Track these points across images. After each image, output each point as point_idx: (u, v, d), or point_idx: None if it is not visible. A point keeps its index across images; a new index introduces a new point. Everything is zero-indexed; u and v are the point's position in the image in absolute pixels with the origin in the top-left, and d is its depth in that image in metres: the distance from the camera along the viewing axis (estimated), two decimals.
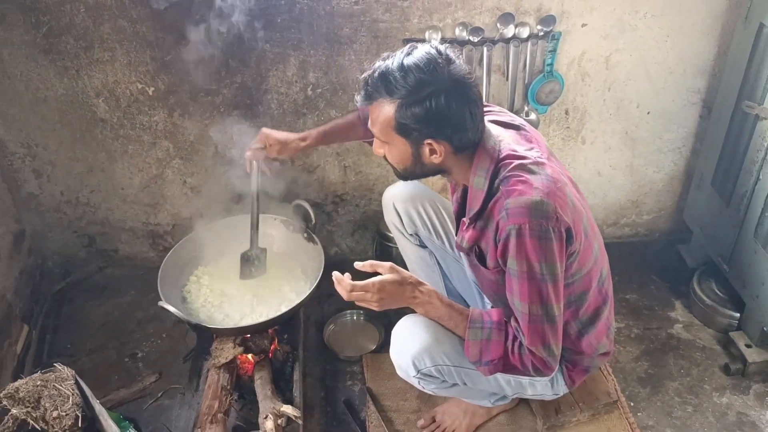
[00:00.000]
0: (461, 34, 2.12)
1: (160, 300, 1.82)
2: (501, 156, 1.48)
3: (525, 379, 1.73)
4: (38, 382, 1.44)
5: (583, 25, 2.17)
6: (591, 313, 1.65)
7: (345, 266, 1.57)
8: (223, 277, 2.11)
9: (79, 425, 1.41)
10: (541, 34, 2.15)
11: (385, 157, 1.57)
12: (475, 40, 2.13)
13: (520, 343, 1.49)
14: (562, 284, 1.47)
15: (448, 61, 1.40)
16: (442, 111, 1.38)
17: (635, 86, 2.33)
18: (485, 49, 2.14)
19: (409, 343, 1.60)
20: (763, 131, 2.02)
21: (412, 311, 1.60)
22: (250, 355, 1.95)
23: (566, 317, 1.57)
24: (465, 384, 1.68)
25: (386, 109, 1.42)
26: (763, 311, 2.09)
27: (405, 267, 1.86)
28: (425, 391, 1.73)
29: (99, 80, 2.12)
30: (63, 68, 2.08)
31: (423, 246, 1.99)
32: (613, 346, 1.79)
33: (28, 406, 1.40)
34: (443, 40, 2.10)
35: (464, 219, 1.59)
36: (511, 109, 2.28)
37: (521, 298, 1.44)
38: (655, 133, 2.46)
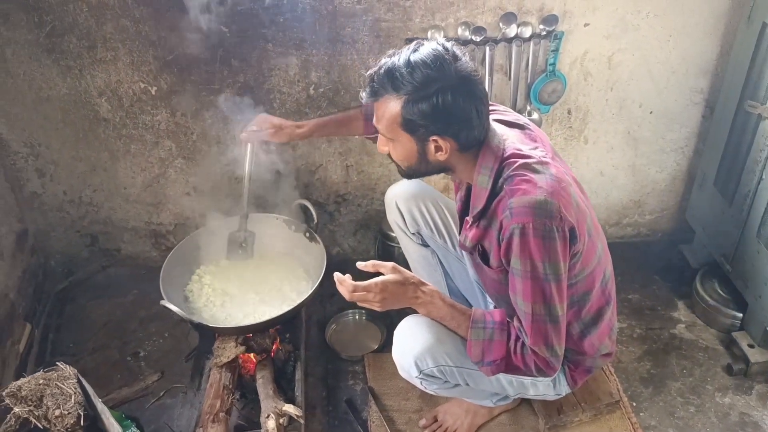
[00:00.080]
0: (463, 33, 2.12)
1: (163, 299, 1.82)
2: (505, 155, 1.47)
3: (527, 380, 1.72)
4: (41, 381, 1.44)
5: (586, 25, 2.17)
6: (594, 313, 1.65)
7: (347, 266, 1.57)
8: (225, 277, 2.11)
9: (81, 424, 1.42)
10: (544, 33, 2.15)
11: (389, 155, 1.57)
12: (478, 39, 2.13)
13: (523, 344, 1.49)
14: (565, 284, 1.46)
15: (455, 57, 1.40)
16: (448, 107, 1.38)
17: (638, 86, 2.33)
18: (487, 48, 2.14)
19: (411, 343, 1.60)
20: (766, 131, 2.01)
21: (414, 311, 1.60)
22: (252, 355, 1.95)
23: (569, 318, 1.57)
24: (467, 384, 1.68)
25: (392, 106, 1.42)
26: (765, 311, 2.08)
27: (407, 267, 1.86)
28: (427, 391, 1.72)
29: (102, 80, 2.12)
30: (66, 68, 2.09)
31: (425, 245, 1.99)
32: (615, 347, 1.79)
33: (30, 405, 1.40)
34: (447, 40, 2.10)
35: (467, 218, 1.59)
36: (514, 109, 2.27)
37: (524, 297, 1.44)
38: (658, 132, 2.46)
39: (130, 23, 2.02)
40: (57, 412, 1.40)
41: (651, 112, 2.40)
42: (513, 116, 1.64)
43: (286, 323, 2.06)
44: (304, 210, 2.20)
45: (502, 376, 1.68)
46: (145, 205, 2.44)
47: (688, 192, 2.59)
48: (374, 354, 2.19)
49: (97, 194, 2.39)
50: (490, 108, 1.61)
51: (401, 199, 1.93)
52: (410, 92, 1.38)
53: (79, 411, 1.42)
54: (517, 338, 1.50)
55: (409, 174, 1.58)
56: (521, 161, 1.45)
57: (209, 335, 2.05)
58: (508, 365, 1.52)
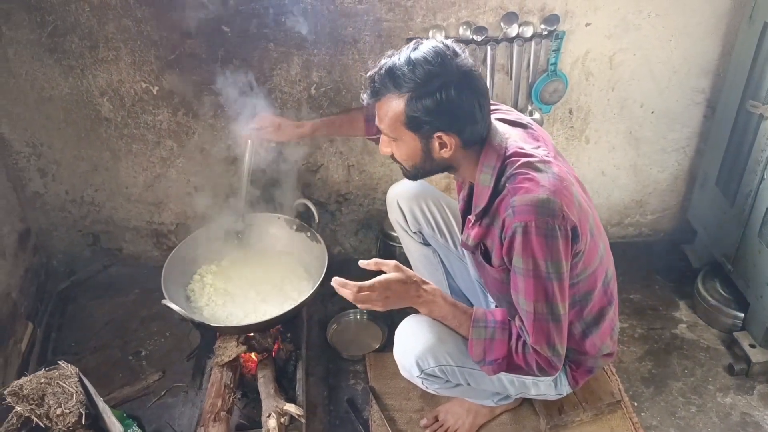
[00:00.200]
0: (465, 33, 2.12)
1: (164, 298, 1.83)
2: (508, 153, 1.48)
3: (528, 379, 1.72)
4: (42, 380, 1.45)
5: (587, 25, 2.17)
6: (595, 313, 1.65)
7: (348, 265, 1.58)
8: (227, 276, 2.11)
9: (83, 423, 1.42)
10: (545, 33, 2.15)
11: (392, 157, 1.56)
12: (479, 39, 2.13)
13: (524, 342, 1.49)
14: (567, 283, 1.46)
15: (455, 54, 1.40)
16: (452, 102, 1.38)
17: (639, 86, 2.32)
18: (489, 48, 2.14)
19: (412, 343, 1.60)
20: (767, 131, 2.01)
21: (415, 311, 1.60)
22: (253, 354, 1.95)
23: (570, 317, 1.57)
24: (468, 384, 1.68)
25: (395, 104, 1.42)
26: (767, 311, 2.08)
27: (409, 266, 1.86)
28: (429, 390, 1.72)
29: (104, 79, 2.13)
30: (68, 67, 2.09)
31: (427, 244, 1.99)
32: (616, 347, 1.79)
33: (32, 404, 1.41)
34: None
35: (470, 216, 1.59)
36: (515, 109, 2.26)
37: (526, 296, 1.44)
38: (659, 132, 2.46)
39: (131, 23, 2.02)
40: (58, 411, 1.41)
41: (652, 112, 2.40)
42: (515, 115, 1.64)
43: (287, 322, 2.06)
44: (306, 209, 2.21)
45: (503, 375, 1.68)
46: (147, 205, 2.44)
47: (690, 192, 2.59)
48: (375, 354, 2.19)
49: (98, 194, 2.40)
50: (493, 107, 1.62)
51: (403, 198, 1.93)
52: (413, 89, 1.38)
53: (81, 410, 1.43)
54: (519, 337, 1.50)
55: (414, 174, 1.58)
56: (524, 160, 1.45)
57: (210, 334, 2.05)
58: (509, 364, 1.52)
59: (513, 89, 2.24)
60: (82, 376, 1.49)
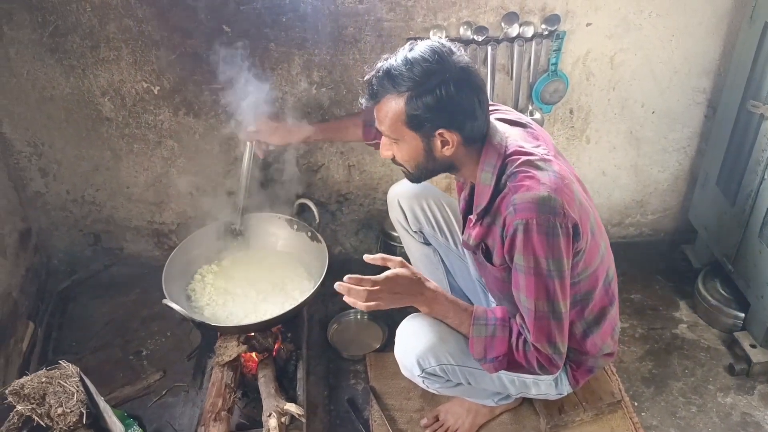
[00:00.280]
0: (465, 33, 2.12)
1: (165, 298, 1.83)
2: (508, 152, 1.48)
3: (529, 379, 1.72)
4: (43, 379, 1.45)
5: (588, 25, 2.17)
6: (596, 313, 1.65)
7: (349, 265, 1.58)
8: (227, 276, 2.11)
9: (84, 422, 1.42)
10: (546, 33, 2.15)
11: (393, 160, 1.57)
12: (480, 39, 2.13)
13: (525, 340, 1.49)
14: (568, 281, 1.46)
15: (451, 51, 1.41)
16: (452, 98, 1.39)
17: (640, 86, 2.32)
18: (489, 48, 2.14)
19: (413, 342, 1.60)
20: None
21: (415, 311, 1.60)
22: (253, 354, 1.95)
23: (571, 317, 1.57)
24: (469, 383, 1.68)
25: (395, 104, 1.42)
26: (767, 311, 2.08)
27: None
28: (429, 390, 1.72)
29: (105, 79, 2.13)
30: (69, 67, 2.10)
31: (427, 243, 2.00)
32: (617, 347, 1.79)
33: (33, 403, 1.41)
34: (448, 40, 2.10)
35: (471, 216, 1.59)
36: (515, 109, 2.26)
37: (527, 294, 1.44)
38: (660, 132, 2.46)
39: (133, 23, 2.02)
40: (59, 410, 1.41)
41: (653, 112, 2.40)
42: (515, 115, 1.64)
43: (287, 322, 2.06)
44: (306, 209, 2.21)
45: (504, 375, 1.68)
46: (148, 205, 2.44)
47: (691, 192, 2.59)
48: (376, 353, 2.19)
49: (99, 193, 2.40)
50: (492, 108, 1.62)
51: (403, 197, 1.93)
52: (412, 88, 1.39)
53: (82, 409, 1.43)
54: (519, 335, 1.50)
55: (417, 176, 1.58)
56: (524, 158, 1.45)
57: (211, 334, 2.05)
58: (510, 362, 1.52)
59: (514, 89, 2.24)
60: (83, 376, 1.49)
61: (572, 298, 1.53)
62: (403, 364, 1.65)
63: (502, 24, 2.13)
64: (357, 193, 2.49)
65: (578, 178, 1.56)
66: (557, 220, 1.38)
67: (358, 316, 2.38)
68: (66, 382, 1.45)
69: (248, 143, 2.00)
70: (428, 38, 1.46)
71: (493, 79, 2.20)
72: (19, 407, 1.41)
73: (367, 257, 1.53)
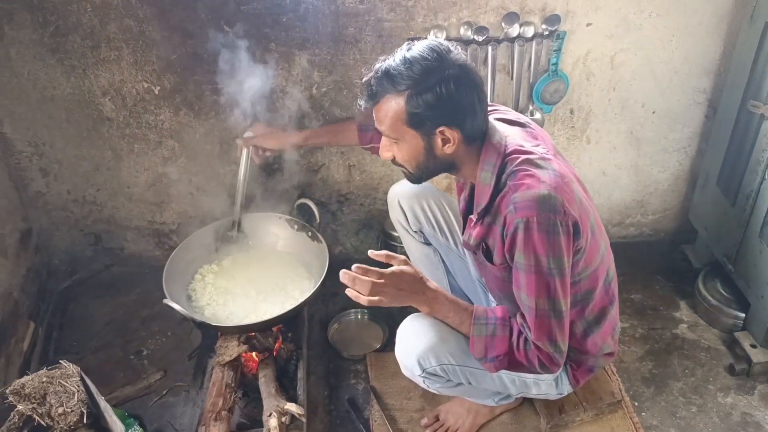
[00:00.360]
0: (466, 33, 2.13)
1: (165, 298, 1.83)
2: (507, 151, 1.48)
3: (529, 379, 1.72)
4: (44, 379, 1.45)
5: (588, 25, 2.17)
6: (597, 312, 1.65)
7: (349, 265, 1.57)
8: (228, 275, 2.11)
9: (84, 422, 1.42)
10: (546, 33, 2.15)
11: (393, 161, 1.57)
12: (480, 39, 2.13)
13: (526, 339, 1.49)
14: (569, 279, 1.47)
15: (448, 49, 1.42)
16: (452, 95, 1.39)
17: (640, 86, 2.33)
18: (490, 48, 2.14)
19: (414, 342, 1.60)
20: None
21: (416, 310, 1.60)
22: (254, 353, 1.95)
23: (572, 317, 1.57)
24: (470, 383, 1.68)
25: (395, 104, 1.42)
26: None
27: None
28: (430, 390, 1.72)
29: (105, 79, 2.13)
30: (70, 67, 2.10)
31: (427, 243, 2.00)
32: (617, 347, 1.79)
33: (33, 403, 1.41)
34: (448, 40, 2.11)
35: (471, 216, 1.59)
36: (516, 109, 2.28)
37: (528, 292, 1.44)
38: (660, 132, 2.46)
39: (133, 23, 2.03)
40: (60, 410, 1.41)
41: (654, 112, 2.40)
42: (513, 115, 1.65)
43: (288, 322, 2.07)
44: (307, 209, 2.21)
45: (504, 375, 1.68)
46: (149, 204, 2.45)
47: (691, 192, 2.59)
48: (376, 353, 2.19)
49: (100, 193, 2.40)
50: (491, 108, 1.63)
51: (404, 197, 1.94)
52: (411, 86, 1.39)
53: (82, 409, 1.43)
54: (520, 333, 1.50)
55: (418, 176, 1.58)
56: (524, 157, 1.45)
57: (212, 334, 2.06)
58: (511, 361, 1.52)
59: (514, 89, 2.24)
60: (83, 376, 1.50)
61: (573, 298, 1.53)
62: (404, 364, 1.65)
63: (503, 24, 2.13)
64: (357, 193, 2.50)
65: (578, 177, 1.56)
66: (557, 218, 1.38)
67: (359, 316, 2.38)
68: (67, 382, 1.46)
69: (244, 150, 2.03)
70: (426, 38, 1.46)
71: (493, 79, 2.20)
72: (19, 407, 1.41)
73: (372, 252, 1.53)
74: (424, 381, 1.66)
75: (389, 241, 2.43)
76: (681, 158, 2.54)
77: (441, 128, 1.43)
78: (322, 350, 2.24)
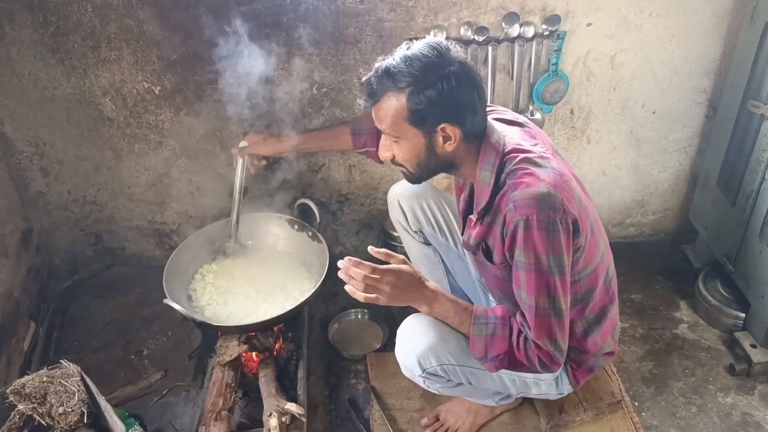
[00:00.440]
0: (466, 33, 2.13)
1: (166, 298, 1.83)
2: (506, 150, 1.49)
3: (530, 379, 1.72)
4: (44, 379, 1.45)
5: (588, 25, 2.17)
6: (597, 312, 1.65)
7: None
8: (228, 275, 2.11)
9: (85, 421, 1.43)
10: (546, 33, 2.15)
11: (392, 161, 1.57)
12: (480, 39, 2.13)
13: (525, 338, 1.49)
14: (569, 278, 1.47)
15: (447, 47, 1.43)
16: (454, 91, 1.40)
17: (640, 86, 2.33)
18: (490, 48, 2.14)
19: (414, 342, 1.60)
20: None
21: (416, 311, 1.61)
22: (254, 353, 1.95)
23: (572, 316, 1.57)
24: (470, 383, 1.68)
25: (396, 101, 1.42)
26: None
27: None
28: (430, 390, 1.72)
29: (106, 79, 2.13)
30: (70, 67, 2.10)
31: (427, 243, 2.00)
32: (617, 346, 1.79)
33: (34, 402, 1.42)
34: (447, 40, 2.11)
35: (471, 216, 1.59)
36: (516, 109, 2.28)
37: (528, 290, 1.44)
38: (661, 132, 2.46)
39: (134, 23, 2.03)
40: (60, 410, 1.42)
41: (654, 112, 2.40)
42: (511, 115, 1.65)
43: (288, 322, 2.07)
44: (307, 209, 2.21)
45: (505, 375, 1.68)
46: (149, 204, 2.45)
47: (691, 192, 2.59)
48: (376, 353, 2.19)
49: (101, 193, 2.40)
50: (489, 108, 1.63)
51: (403, 197, 1.94)
52: (413, 83, 1.39)
53: (83, 408, 1.43)
54: (520, 332, 1.50)
55: (418, 176, 1.58)
56: (522, 155, 1.46)
57: (212, 334, 2.06)
58: (511, 360, 1.52)
59: (514, 89, 2.24)
60: (84, 375, 1.50)
61: (573, 297, 1.53)
62: (404, 364, 1.65)
63: (503, 24, 2.13)
64: (358, 193, 2.50)
65: (576, 176, 1.56)
66: (557, 216, 1.39)
67: (359, 316, 2.38)
68: (67, 382, 1.46)
69: (239, 159, 2.02)
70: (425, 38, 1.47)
71: (493, 79, 2.20)
72: (20, 406, 1.41)
73: (372, 249, 1.53)
74: (424, 381, 1.66)
75: (389, 241, 2.44)
76: (681, 158, 2.54)
77: (442, 125, 1.43)
78: (323, 350, 2.24)
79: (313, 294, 1.92)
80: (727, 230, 2.27)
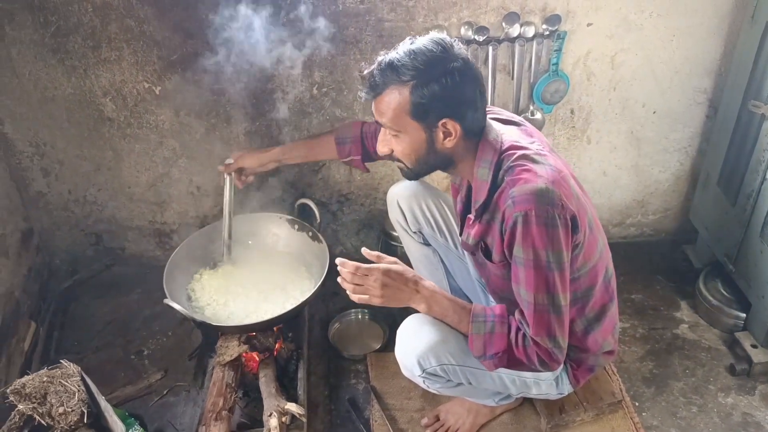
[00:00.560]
0: (466, 33, 2.13)
1: (166, 298, 1.83)
2: (503, 147, 1.49)
3: (530, 379, 1.72)
4: (45, 379, 1.46)
5: (589, 25, 2.17)
6: (597, 310, 1.65)
7: None
8: (229, 275, 2.11)
9: (85, 421, 1.43)
10: (547, 33, 2.15)
11: (390, 156, 1.57)
12: (480, 39, 2.14)
13: (524, 335, 1.49)
14: (568, 274, 1.47)
15: (451, 44, 1.43)
16: (457, 87, 1.40)
17: (641, 86, 2.32)
18: (490, 48, 2.14)
19: (414, 342, 1.60)
20: None
21: (416, 311, 1.61)
22: (254, 353, 1.95)
23: (572, 314, 1.57)
24: (470, 383, 1.68)
25: (398, 94, 1.42)
26: None
27: (410, 266, 1.87)
28: (430, 390, 1.72)
29: (106, 79, 2.13)
30: (71, 67, 2.10)
31: (427, 244, 2.00)
32: (617, 345, 1.79)
33: (34, 402, 1.42)
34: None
35: (469, 216, 1.59)
36: (516, 109, 2.28)
37: (527, 287, 1.44)
38: (661, 132, 2.46)
39: (134, 23, 2.03)
40: (61, 410, 1.42)
41: (654, 112, 2.40)
42: (507, 115, 1.66)
43: (288, 322, 2.07)
44: (307, 209, 2.21)
45: (505, 375, 1.68)
46: (149, 204, 2.45)
47: (692, 192, 2.59)
48: (377, 353, 2.19)
49: (101, 193, 2.40)
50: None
51: (403, 197, 1.94)
52: (416, 77, 1.40)
53: (83, 408, 1.44)
54: (518, 330, 1.49)
55: (415, 172, 1.58)
56: (520, 152, 1.46)
57: (212, 334, 2.06)
58: (510, 358, 1.51)
59: (514, 89, 2.24)
60: (84, 375, 1.50)
61: (573, 295, 1.53)
62: (404, 364, 1.65)
63: (503, 24, 2.13)
64: (358, 193, 2.50)
65: (573, 175, 1.56)
66: (556, 212, 1.39)
67: (359, 316, 2.38)
68: (67, 382, 1.46)
69: (227, 176, 2.00)
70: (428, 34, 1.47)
71: (494, 79, 2.21)
72: (20, 406, 1.41)
73: (365, 251, 1.55)
74: (424, 381, 1.66)
75: (390, 242, 2.44)
76: (682, 158, 2.54)
77: (444, 120, 1.44)
78: (323, 350, 2.24)
79: (313, 294, 1.92)
80: (727, 230, 2.27)
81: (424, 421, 1.95)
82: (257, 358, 1.96)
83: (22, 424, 1.44)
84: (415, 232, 1.97)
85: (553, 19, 2.13)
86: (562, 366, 1.67)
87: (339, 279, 1.53)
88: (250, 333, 1.94)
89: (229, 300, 2.02)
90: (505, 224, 1.44)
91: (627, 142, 2.47)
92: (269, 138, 2.29)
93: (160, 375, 2.13)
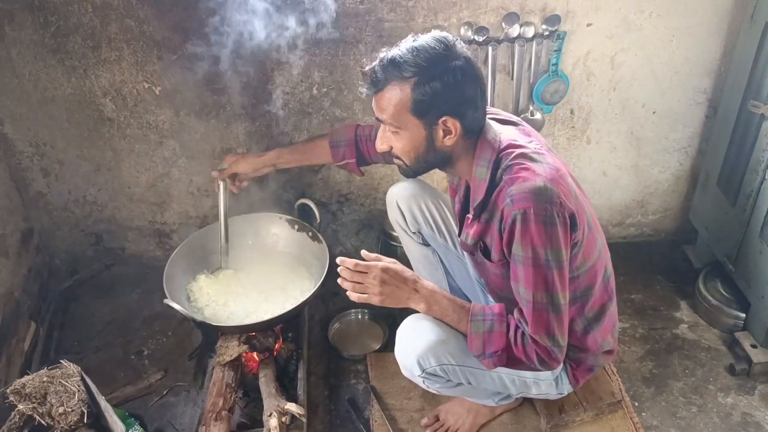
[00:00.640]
0: (466, 33, 2.13)
1: (166, 298, 1.83)
2: (502, 146, 1.50)
3: (529, 378, 1.72)
4: (45, 379, 1.46)
5: (589, 25, 2.17)
6: (597, 309, 1.65)
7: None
8: (229, 276, 2.11)
9: (85, 421, 1.43)
10: (546, 33, 2.15)
11: (386, 159, 1.57)
12: (480, 39, 2.14)
13: (523, 333, 1.49)
14: (567, 272, 1.47)
15: (453, 42, 1.44)
16: (459, 85, 1.41)
17: (641, 86, 2.33)
18: (490, 48, 2.14)
19: (414, 342, 1.60)
20: None
21: (415, 312, 1.61)
22: (254, 353, 1.95)
23: (572, 314, 1.58)
24: (470, 383, 1.68)
25: (400, 91, 1.43)
26: None
27: (409, 267, 1.87)
28: (430, 390, 1.73)
29: (106, 79, 2.13)
30: (71, 68, 2.10)
31: (426, 244, 2.00)
32: (617, 345, 1.80)
33: (34, 402, 1.42)
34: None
35: (468, 215, 1.60)
36: (516, 109, 2.29)
37: (526, 285, 1.45)
38: (661, 132, 2.46)
39: (134, 23, 2.03)
40: (61, 410, 1.42)
41: (654, 112, 2.40)
42: (505, 115, 1.67)
43: (288, 322, 2.07)
44: (307, 209, 2.21)
45: (504, 374, 1.68)
46: (149, 205, 2.45)
47: (692, 192, 2.59)
48: (376, 353, 2.19)
49: (101, 193, 2.40)
50: None
51: (402, 198, 1.94)
52: (418, 73, 1.40)
53: (83, 408, 1.44)
54: (517, 328, 1.50)
55: (414, 169, 1.58)
56: (518, 151, 1.47)
57: (212, 334, 2.06)
58: (509, 357, 1.52)
59: (514, 89, 2.24)
60: (84, 375, 1.50)
61: (572, 294, 1.54)
62: (404, 365, 1.65)
63: (503, 24, 2.13)
64: (358, 193, 2.50)
65: (571, 174, 1.57)
66: (554, 209, 1.39)
67: (359, 316, 2.38)
68: (67, 382, 1.46)
69: (221, 183, 1.99)
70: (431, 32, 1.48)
71: (493, 79, 2.21)
72: (20, 406, 1.41)
73: (364, 253, 1.56)
74: (423, 381, 1.66)
75: (390, 242, 2.43)
76: (681, 158, 2.54)
77: (444, 118, 1.44)
78: (323, 350, 2.24)
79: (313, 294, 1.92)
80: (727, 230, 2.27)
81: (424, 421, 1.95)
82: (257, 358, 1.96)
83: (22, 424, 1.44)
84: (414, 233, 1.97)
85: (553, 20, 2.13)
86: (561, 366, 1.68)
87: (339, 280, 1.54)
88: (250, 333, 1.94)
89: (229, 300, 2.02)
90: (504, 223, 1.44)
91: (627, 142, 2.47)
92: (269, 138, 2.30)
93: (160, 375, 2.13)
